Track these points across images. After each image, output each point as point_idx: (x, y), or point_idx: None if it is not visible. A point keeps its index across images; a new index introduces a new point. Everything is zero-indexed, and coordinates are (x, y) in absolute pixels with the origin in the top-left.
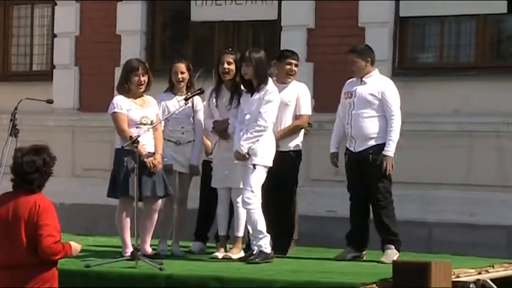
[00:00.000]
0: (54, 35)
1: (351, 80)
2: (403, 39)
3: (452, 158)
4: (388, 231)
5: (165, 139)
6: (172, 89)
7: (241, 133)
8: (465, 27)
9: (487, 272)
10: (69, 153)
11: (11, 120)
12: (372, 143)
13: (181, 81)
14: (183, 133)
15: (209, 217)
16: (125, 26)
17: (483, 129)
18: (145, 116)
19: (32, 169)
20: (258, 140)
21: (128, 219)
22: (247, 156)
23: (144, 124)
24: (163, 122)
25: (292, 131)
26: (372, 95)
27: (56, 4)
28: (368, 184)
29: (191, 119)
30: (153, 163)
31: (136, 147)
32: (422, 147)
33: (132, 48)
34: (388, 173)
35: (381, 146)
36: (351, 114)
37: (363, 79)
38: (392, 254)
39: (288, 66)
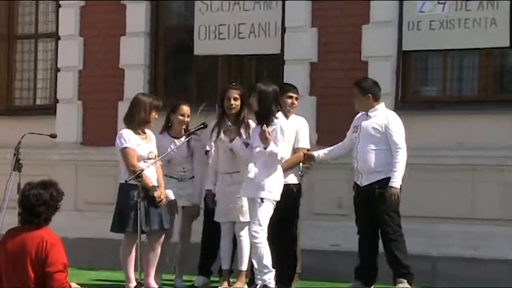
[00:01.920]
0: (58, 69)
1: (360, 114)
2: (406, 73)
3: (456, 192)
4: (399, 264)
5: (166, 175)
6: (169, 130)
7: (249, 167)
8: (468, 61)
9: None
10: (73, 187)
11: (14, 154)
12: (378, 177)
13: (185, 123)
14: (185, 171)
15: (212, 251)
16: (128, 60)
17: (487, 162)
18: (151, 151)
19: (38, 202)
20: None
21: (133, 254)
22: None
23: (150, 159)
24: (162, 161)
25: (290, 166)
26: (374, 128)
27: (59, 38)
28: (376, 218)
29: (190, 158)
30: (160, 196)
31: (140, 181)
32: (426, 180)
33: (135, 82)
34: (392, 204)
35: (386, 180)
36: (357, 149)
37: (368, 113)
38: (406, 287)
39: (289, 100)
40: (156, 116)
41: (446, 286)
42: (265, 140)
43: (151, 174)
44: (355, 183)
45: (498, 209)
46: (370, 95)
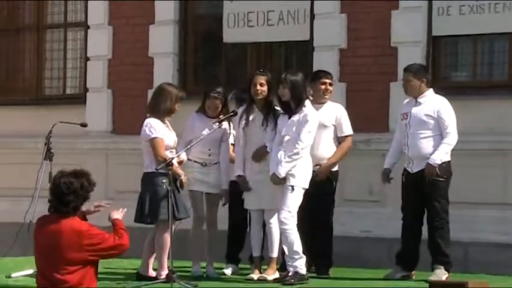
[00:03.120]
0: (87, 58)
1: (407, 100)
2: (436, 58)
3: (487, 177)
4: (439, 251)
5: (190, 160)
6: (205, 111)
7: (279, 155)
8: (498, 46)
9: None
10: (103, 176)
11: (45, 144)
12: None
13: (217, 109)
14: (209, 155)
15: (240, 238)
16: (157, 48)
17: None
18: (175, 140)
19: (68, 190)
20: (295, 164)
21: (169, 241)
22: (282, 182)
23: (174, 148)
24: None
25: (345, 153)
26: (427, 115)
27: (88, 27)
28: (423, 205)
29: (219, 142)
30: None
31: (171, 169)
32: (457, 166)
33: (164, 70)
34: (433, 181)
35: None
36: (407, 135)
37: (418, 100)
38: (441, 274)
39: (323, 86)
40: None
41: (478, 271)
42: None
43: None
44: (405, 169)
45: None
46: (425, 79)
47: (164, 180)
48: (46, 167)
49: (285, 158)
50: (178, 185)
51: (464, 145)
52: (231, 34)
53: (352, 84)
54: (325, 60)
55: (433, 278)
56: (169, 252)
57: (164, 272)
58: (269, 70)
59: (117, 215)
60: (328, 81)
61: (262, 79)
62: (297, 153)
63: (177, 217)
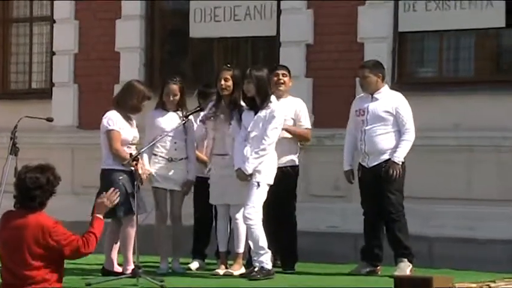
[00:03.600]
0: (53, 53)
1: (360, 96)
2: (402, 54)
3: (452, 173)
4: (400, 244)
5: (156, 155)
6: (164, 106)
7: (245, 151)
8: (464, 42)
9: (489, 286)
10: (69, 171)
11: (11, 138)
12: (386, 157)
13: (172, 102)
14: (175, 149)
15: (205, 234)
16: (123, 43)
17: (483, 143)
18: (135, 136)
19: (34, 185)
20: (262, 160)
21: (133, 235)
22: (249, 178)
23: (133, 144)
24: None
25: (300, 135)
26: (385, 111)
27: (54, 22)
28: (380, 197)
29: (183, 134)
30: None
31: (136, 164)
32: (422, 161)
33: (131, 65)
34: (394, 178)
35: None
36: (364, 131)
37: (374, 95)
38: (405, 267)
39: (275, 78)
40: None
41: (442, 266)
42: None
43: (145, 157)
44: (360, 164)
45: (494, 189)
46: (381, 75)
47: (121, 177)
48: (11, 162)
49: (251, 154)
50: (138, 183)
51: (430, 141)
52: (198, 29)
53: (319, 80)
54: (292, 55)
55: (397, 272)
56: (135, 247)
57: (130, 267)
58: (236, 65)
59: (101, 208)
60: (280, 72)
61: (227, 74)
62: (264, 149)
63: (140, 212)
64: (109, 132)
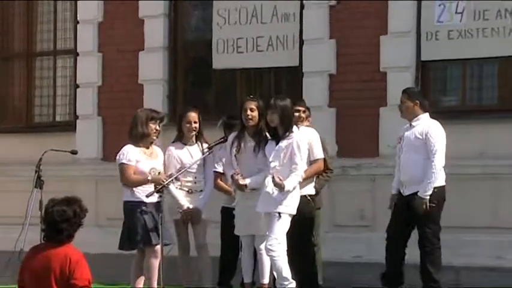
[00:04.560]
0: (77, 86)
1: (406, 126)
2: (425, 83)
3: (479, 201)
4: (430, 277)
5: (176, 188)
6: (182, 139)
7: (266, 180)
8: (487, 70)
9: None
10: (93, 203)
11: (35, 171)
12: (419, 187)
13: (194, 130)
14: (195, 182)
15: (232, 265)
16: (147, 74)
17: (508, 171)
18: (154, 168)
19: (62, 218)
20: (295, 187)
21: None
22: (283, 186)
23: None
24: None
25: (312, 175)
26: (417, 138)
27: (78, 55)
28: (411, 229)
29: (202, 168)
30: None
31: (161, 196)
32: (448, 190)
33: (154, 96)
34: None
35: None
36: (400, 159)
37: (412, 123)
38: None
39: (296, 114)
40: (158, 128)
41: None
42: (279, 186)
43: (175, 189)
44: (399, 191)
45: None
46: (418, 101)
47: (140, 209)
48: (36, 195)
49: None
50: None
51: (455, 169)
52: (221, 60)
53: (342, 110)
54: (314, 85)
55: None
56: (159, 279)
57: None
58: (259, 96)
59: None
60: (301, 108)
61: (252, 104)
62: (299, 175)
63: (159, 243)
64: (119, 166)
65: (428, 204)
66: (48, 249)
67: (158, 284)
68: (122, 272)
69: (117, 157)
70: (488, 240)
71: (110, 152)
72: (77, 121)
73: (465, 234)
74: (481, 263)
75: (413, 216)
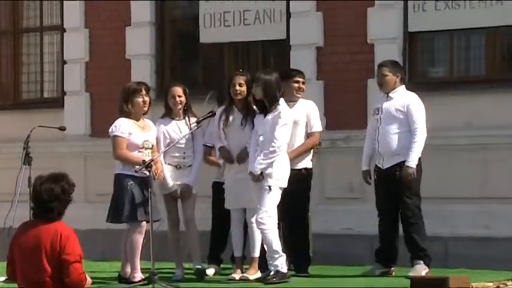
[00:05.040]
0: (64, 62)
1: (380, 96)
2: (412, 55)
3: (466, 172)
4: (417, 246)
5: (165, 163)
6: (170, 114)
7: (256, 154)
8: (475, 41)
9: (506, 285)
10: (82, 179)
11: (24, 148)
12: (399, 159)
13: (179, 104)
14: (184, 158)
15: (222, 239)
16: (134, 50)
17: (497, 141)
18: (147, 140)
19: (51, 197)
20: (272, 162)
21: (140, 242)
22: (261, 178)
23: (146, 148)
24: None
25: (307, 149)
26: (397, 110)
27: (65, 31)
28: (396, 200)
29: (191, 142)
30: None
31: (150, 171)
32: (436, 161)
33: (142, 72)
34: (409, 183)
35: None
36: (378, 131)
37: (389, 95)
38: (421, 269)
39: (296, 85)
40: (145, 99)
41: (458, 266)
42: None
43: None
44: (376, 165)
45: (509, 187)
46: (399, 75)
47: (130, 183)
48: (25, 172)
49: (260, 155)
50: (151, 189)
51: (443, 140)
52: (208, 34)
53: (330, 82)
54: (302, 58)
55: (413, 273)
56: (149, 254)
57: (138, 274)
58: (246, 70)
59: None
60: (301, 79)
61: (241, 79)
62: (273, 152)
63: (146, 219)
64: (112, 139)
65: (415, 173)
66: (38, 225)
67: (149, 259)
68: (112, 248)
69: (110, 130)
70: (476, 211)
71: (98, 128)
72: (65, 97)
73: (453, 204)
74: (469, 233)
75: (395, 188)
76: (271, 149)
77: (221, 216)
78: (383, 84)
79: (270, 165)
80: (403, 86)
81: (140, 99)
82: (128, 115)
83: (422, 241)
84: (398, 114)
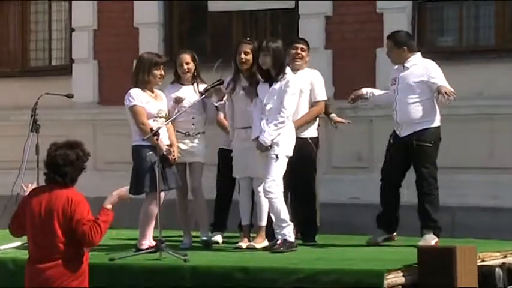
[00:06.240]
0: (72, 29)
1: (397, 66)
2: (421, 24)
3: (475, 142)
4: (428, 216)
5: (175, 130)
6: (179, 80)
7: (262, 123)
8: (484, 10)
9: None
10: (91, 147)
11: (31, 115)
12: (418, 127)
13: (187, 71)
14: (193, 124)
15: (226, 206)
16: (142, 18)
17: (505, 112)
18: (161, 109)
19: (65, 162)
20: (280, 132)
21: (155, 213)
22: (269, 148)
23: (160, 117)
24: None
25: (312, 118)
26: (415, 81)
27: None
28: (406, 169)
29: (202, 108)
30: (173, 156)
31: (157, 139)
32: (444, 131)
33: (150, 40)
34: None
35: (426, 131)
36: (396, 101)
37: (405, 65)
38: (430, 239)
39: (293, 51)
40: (162, 73)
41: (465, 236)
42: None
43: (163, 133)
44: (394, 132)
45: None
46: (405, 47)
47: (149, 153)
48: (33, 139)
49: (269, 126)
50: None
51: (452, 110)
52: (216, 3)
53: (339, 52)
54: (311, 27)
55: (422, 242)
56: (157, 222)
57: (146, 242)
58: (255, 38)
59: (111, 199)
60: (299, 46)
61: (247, 48)
62: (283, 122)
63: (165, 188)
64: (132, 109)
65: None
66: (50, 191)
67: (156, 227)
68: (120, 216)
69: (126, 101)
70: (484, 181)
71: (105, 96)
72: (73, 65)
73: (461, 174)
74: (477, 203)
75: (409, 156)
76: (280, 119)
77: (225, 183)
78: (391, 58)
79: (280, 132)
80: (418, 54)
81: (159, 72)
82: (144, 85)
83: (434, 212)
84: (416, 85)
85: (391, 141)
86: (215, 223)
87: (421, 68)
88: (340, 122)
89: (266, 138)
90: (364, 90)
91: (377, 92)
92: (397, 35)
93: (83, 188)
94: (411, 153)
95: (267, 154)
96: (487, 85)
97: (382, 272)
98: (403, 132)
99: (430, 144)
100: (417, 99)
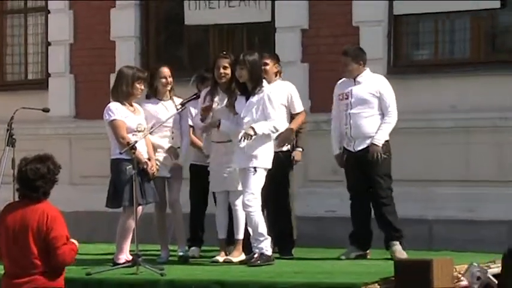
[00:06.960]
0: (49, 43)
1: (342, 81)
2: (397, 38)
3: (450, 155)
4: (391, 227)
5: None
6: (156, 95)
7: (240, 136)
8: (459, 24)
9: (489, 267)
10: (67, 161)
11: (7, 130)
12: (371, 141)
13: (169, 85)
14: (172, 138)
15: (201, 220)
16: (119, 32)
17: (481, 124)
18: (140, 123)
19: (36, 176)
20: (269, 134)
21: (132, 227)
22: (252, 135)
23: (139, 131)
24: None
25: (297, 127)
26: (370, 93)
27: (49, 12)
28: (368, 183)
29: (179, 123)
30: (152, 169)
31: (134, 153)
32: (420, 144)
33: (126, 53)
34: (378, 161)
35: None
36: (348, 115)
37: (357, 79)
38: (401, 250)
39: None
40: (143, 88)
41: (442, 248)
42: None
43: (141, 147)
44: (345, 149)
45: (493, 170)
46: (362, 62)
47: (128, 167)
48: (9, 154)
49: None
50: (135, 171)
51: (427, 123)
52: (193, 16)
53: (315, 65)
54: (287, 41)
55: (397, 255)
56: (134, 236)
57: (122, 256)
58: (231, 52)
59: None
60: (265, 60)
61: (225, 62)
62: (277, 130)
63: (143, 202)
64: (111, 123)
65: (381, 154)
66: (24, 206)
67: (133, 241)
68: (96, 230)
69: (106, 115)
70: (460, 193)
71: (82, 110)
72: (49, 79)
73: (437, 187)
74: (454, 216)
75: (367, 169)
76: (274, 126)
77: (198, 198)
78: (346, 73)
79: (257, 146)
80: (368, 69)
81: (140, 86)
82: (125, 98)
83: (395, 221)
84: (370, 98)
85: (345, 159)
86: (191, 237)
87: (373, 82)
88: (298, 161)
89: (257, 129)
90: (337, 151)
91: (336, 135)
92: (354, 50)
93: (58, 202)
94: (367, 166)
95: (245, 167)
96: (462, 98)
97: (359, 285)
98: (356, 147)
99: (386, 156)
100: (370, 114)
